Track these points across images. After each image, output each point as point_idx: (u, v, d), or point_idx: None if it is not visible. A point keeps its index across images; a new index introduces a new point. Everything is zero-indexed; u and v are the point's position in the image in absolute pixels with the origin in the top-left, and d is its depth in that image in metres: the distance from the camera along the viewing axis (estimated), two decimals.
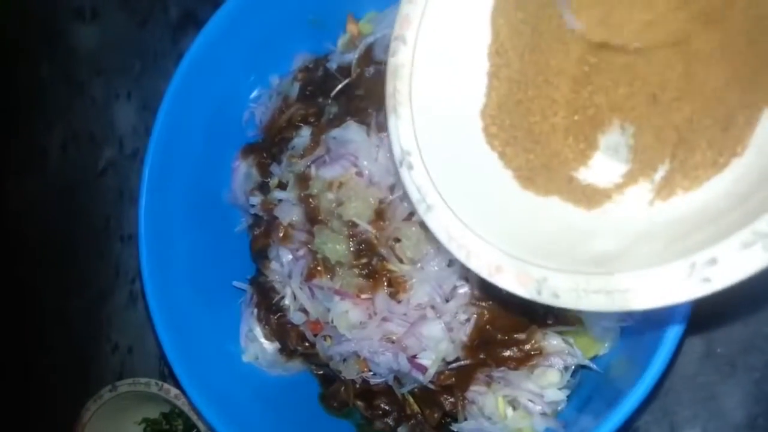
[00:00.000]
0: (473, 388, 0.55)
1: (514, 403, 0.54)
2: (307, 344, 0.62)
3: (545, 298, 0.37)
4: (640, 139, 0.42)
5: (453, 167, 0.43)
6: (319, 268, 0.58)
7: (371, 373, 0.58)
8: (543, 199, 0.43)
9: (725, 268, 0.33)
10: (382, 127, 0.56)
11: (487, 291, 0.52)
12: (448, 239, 0.41)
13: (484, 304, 0.53)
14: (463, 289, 0.54)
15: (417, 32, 0.44)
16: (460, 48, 0.45)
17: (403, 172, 0.42)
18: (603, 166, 0.43)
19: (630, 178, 0.42)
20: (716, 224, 0.35)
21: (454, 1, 0.44)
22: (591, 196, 0.43)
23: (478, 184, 0.43)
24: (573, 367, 0.54)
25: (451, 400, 0.56)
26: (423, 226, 0.51)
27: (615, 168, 0.43)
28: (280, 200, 0.62)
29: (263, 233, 0.65)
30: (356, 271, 0.56)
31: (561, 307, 0.38)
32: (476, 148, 0.44)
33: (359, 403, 0.62)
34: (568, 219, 0.42)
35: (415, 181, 0.42)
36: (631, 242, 0.39)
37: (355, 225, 0.56)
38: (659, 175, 0.41)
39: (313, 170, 0.58)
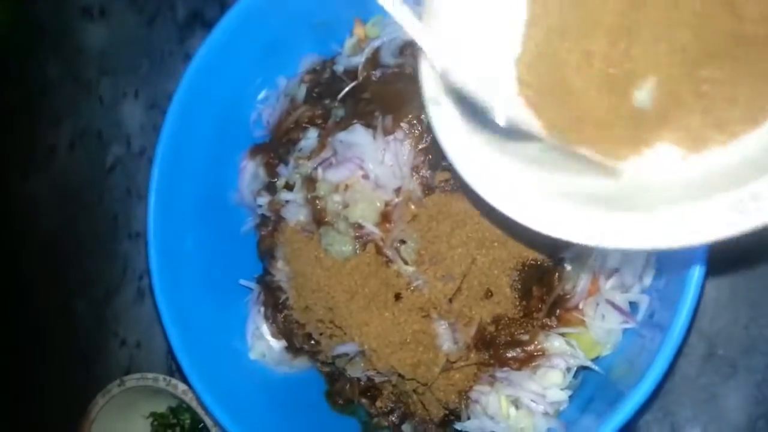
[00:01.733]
0: (477, 387, 0.56)
1: (516, 403, 0.55)
2: (312, 342, 0.63)
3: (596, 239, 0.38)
4: (674, 95, 0.41)
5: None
6: None
7: (376, 371, 0.58)
8: (572, 149, 0.43)
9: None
10: (388, 131, 0.57)
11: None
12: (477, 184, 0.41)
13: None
14: None
15: None
16: None
17: (432, 110, 0.43)
18: (636, 122, 0.43)
19: (661, 133, 0.42)
20: (756, 171, 0.36)
21: None
22: (620, 150, 0.42)
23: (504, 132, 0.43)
24: (575, 368, 0.55)
25: (455, 398, 0.57)
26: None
27: (647, 124, 0.42)
28: (287, 201, 0.63)
29: (270, 233, 0.66)
30: None
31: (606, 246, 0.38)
32: (507, 96, 0.44)
33: (364, 400, 0.63)
34: (595, 174, 0.42)
35: (439, 115, 0.42)
36: (661, 199, 0.39)
37: (361, 227, 0.57)
38: (692, 130, 0.41)
39: (319, 172, 0.59)
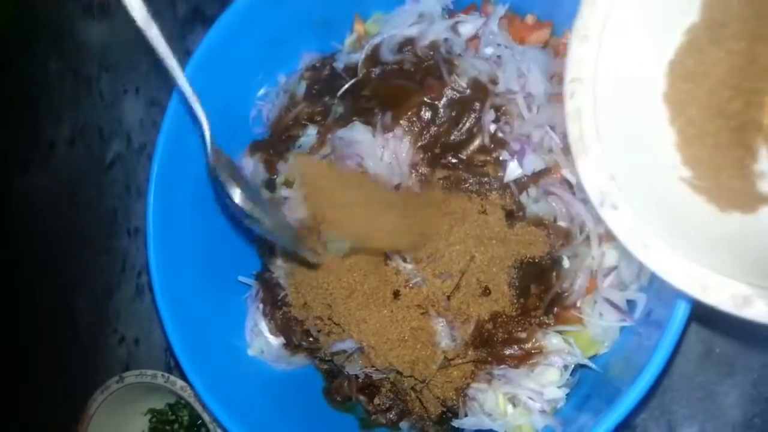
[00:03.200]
0: (474, 385, 0.56)
1: (514, 401, 0.55)
2: (311, 339, 0.63)
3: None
4: None
5: (654, 203, 0.42)
6: None
7: (374, 368, 0.59)
8: (741, 215, 0.42)
9: None
10: (388, 128, 0.57)
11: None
12: (683, 278, 0.39)
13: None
14: None
15: (594, 72, 0.43)
16: (638, 79, 0.44)
17: (606, 215, 0.41)
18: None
19: None
20: None
21: (630, 39, 0.43)
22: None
23: (681, 216, 0.42)
24: (572, 365, 0.55)
25: (453, 396, 0.57)
26: None
27: None
28: (286, 198, 0.63)
29: None
30: None
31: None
32: (671, 178, 0.43)
33: (362, 397, 0.63)
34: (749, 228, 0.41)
35: (623, 224, 0.41)
36: None
37: None
38: None
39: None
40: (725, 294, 0.38)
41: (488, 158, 0.56)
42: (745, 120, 0.42)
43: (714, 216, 0.41)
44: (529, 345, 0.54)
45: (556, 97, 0.56)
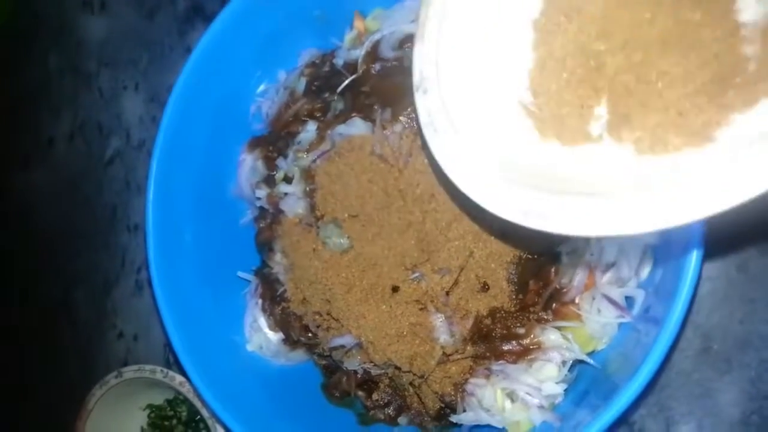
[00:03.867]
0: (473, 380, 0.56)
1: (512, 396, 0.55)
2: (310, 335, 0.63)
3: (531, 221, 0.39)
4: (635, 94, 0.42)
5: (467, 95, 0.44)
6: None
7: (372, 364, 0.59)
8: (559, 146, 0.43)
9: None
10: (387, 124, 0.57)
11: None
12: (446, 161, 0.42)
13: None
14: None
15: None
16: None
17: (417, 96, 0.44)
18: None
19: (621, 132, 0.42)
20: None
21: None
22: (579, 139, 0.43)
23: (490, 117, 0.44)
24: (570, 361, 0.55)
25: (451, 391, 0.57)
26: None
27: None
28: (285, 194, 0.63)
29: (268, 226, 0.66)
30: None
31: (548, 230, 0.38)
32: (509, 95, 0.45)
33: (360, 392, 0.63)
34: (561, 160, 0.43)
35: (426, 106, 0.43)
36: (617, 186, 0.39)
37: None
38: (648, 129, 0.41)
39: (318, 165, 0.59)
40: (480, 183, 0.40)
41: None
42: (603, 62, 0.42)
43: (532, 140, 0.43)
44: (527, 341, 0.54)
45: None
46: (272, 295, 0.65)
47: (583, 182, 0.39)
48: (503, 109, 0.44)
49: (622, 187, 0.38)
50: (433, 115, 0.43)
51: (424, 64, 0.44)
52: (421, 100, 0.44)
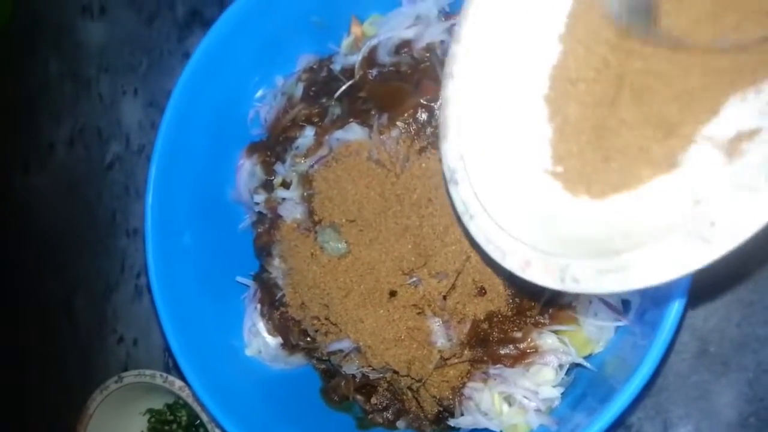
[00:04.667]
0: (470, 384, 0.56)
1: (509, 400, 0.55)
2: (308, 339, 0.64)
3: (568, 285, 0.40)
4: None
5: (495, 178, 0.47)
6: None
7: (371, 368, 0.59)
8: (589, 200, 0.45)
9: (726, 226, 0.35)
10: (385, 129, 0.57)
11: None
12: (486, 242, 0.45)
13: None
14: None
15: (462, 67, 0.48)
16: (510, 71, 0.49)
17: (451, 189, 0.48)
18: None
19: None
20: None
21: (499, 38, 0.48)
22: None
23: (520, 193, 0.47)
24: (568, 365, 0.55)
25: (449, 395, 0.57)
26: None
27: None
28: (283, 199, 0.63)
29: (266, 230, 0.66)
30: None
31: (582, 292, 0.40)
32: (535, 168, 0.48)
33: (359, 397, 0.64)
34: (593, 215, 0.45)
35: (460, 196, 0.47)
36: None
37: None
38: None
39: (316, 170, 0.59)
40: (515, 258, 0.43)
41: None
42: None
43: (564, 199, 0.45)
44: (524, 344, 0.55)
45: None
46: (271, 300, 0.65)
47: (615, 238, 0.41)
48: (531, 182, 0.47)
49: (652, 234, 0.39)
50: (467, 203, 0.46)
51: (450, 159, 0.48)
52: (454, 193, 0.47)
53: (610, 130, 0.44)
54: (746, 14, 0.39)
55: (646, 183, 0.42)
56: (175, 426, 0.82)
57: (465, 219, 0.47)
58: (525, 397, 0.54)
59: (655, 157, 0.41)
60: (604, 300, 0.54)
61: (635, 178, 0.42)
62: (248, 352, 0.67)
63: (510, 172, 0.47)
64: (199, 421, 0.78)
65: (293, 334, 0.64)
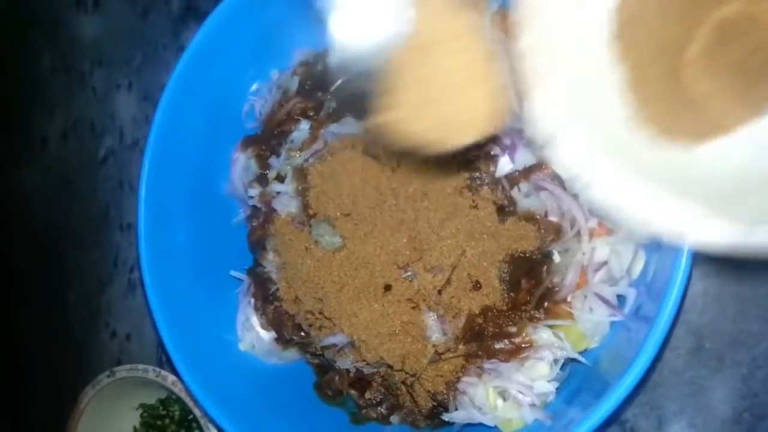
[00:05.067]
0: (465, 379, 0.56)
1: (504, 394, 0.55)
2: (302, 334, 0.63)
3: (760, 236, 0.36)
4: None
5: (602, 139, 0.43)
6: None
7: (365, 362, 0.59)
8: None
9: None
10: None
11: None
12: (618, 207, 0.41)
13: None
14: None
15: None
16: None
17: (558, 147, 0.42)
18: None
19: None
20: None
21: None
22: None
23: (627, 148, 0.43)
24: (562, 360, 0.55)
25: (443, 390, 0.57)
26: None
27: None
28: (278, 193, 0.63)
29: (261, 224, 0.66)
30: None
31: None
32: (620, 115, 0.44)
33: (353, 391, 0.63)
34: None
35: (566, 160, 0.42)
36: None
37: None
38: None
39: (311, 164, 0.59)
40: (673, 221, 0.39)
41: (479, 153, 0.56)
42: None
43: (660, 146, 0.42)
44: (519, 339, 0.54)
45: None
46: (265, 294, 0.65)
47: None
48: (624, 128, 0.44)
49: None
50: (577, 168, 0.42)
51: (551, 113, 0.43)
52: (560, 149, 0.43)
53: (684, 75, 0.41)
54: None
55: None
56: (167, 421, 0.81)
57: (580, 184, 0.41)
58: (520, 391, 0.54)
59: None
60: (599, 295, 0.54)
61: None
62: (242, 347, 0.67)
63: (604, 125, 0.43)
64: (192, 416, 0.78)
65: (287, 328, 0.64)
